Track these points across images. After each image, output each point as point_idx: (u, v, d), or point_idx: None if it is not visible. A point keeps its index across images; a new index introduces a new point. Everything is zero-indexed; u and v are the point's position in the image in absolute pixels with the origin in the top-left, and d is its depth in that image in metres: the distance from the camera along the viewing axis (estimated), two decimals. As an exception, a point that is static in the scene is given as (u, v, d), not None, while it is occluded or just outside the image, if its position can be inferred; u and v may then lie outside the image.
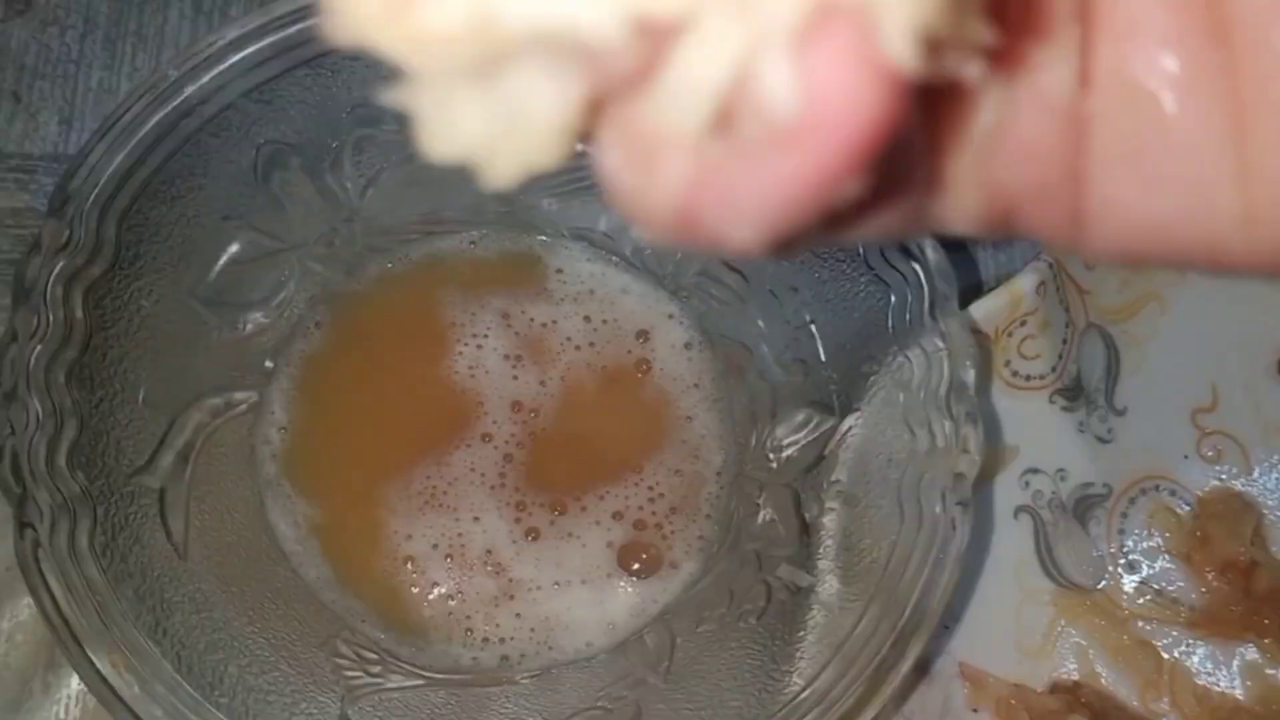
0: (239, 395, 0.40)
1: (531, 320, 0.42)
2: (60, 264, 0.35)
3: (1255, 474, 0.41)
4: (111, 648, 0.32)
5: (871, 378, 0.38)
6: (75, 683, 0.38)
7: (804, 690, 0.34)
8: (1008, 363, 0.41)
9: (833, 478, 0.38)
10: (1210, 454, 0.41)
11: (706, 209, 0.14)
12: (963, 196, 0.16)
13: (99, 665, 0.32)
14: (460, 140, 0.14)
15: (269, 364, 0.41)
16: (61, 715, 0.38)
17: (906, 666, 0.34)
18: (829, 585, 0.36)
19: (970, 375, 0.36)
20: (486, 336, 0.42)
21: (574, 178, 0.41)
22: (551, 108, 0.14)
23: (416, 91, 0.14)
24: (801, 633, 0.36)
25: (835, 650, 0.34)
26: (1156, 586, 0.40)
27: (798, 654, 0.35)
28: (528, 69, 0.14)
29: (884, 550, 0.35)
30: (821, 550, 0.37)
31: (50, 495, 0.33)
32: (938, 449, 0.35)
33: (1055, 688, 0.39)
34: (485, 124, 0.14)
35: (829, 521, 0.37)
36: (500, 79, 0.14)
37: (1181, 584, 0.40)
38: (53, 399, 0.34)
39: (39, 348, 0.34)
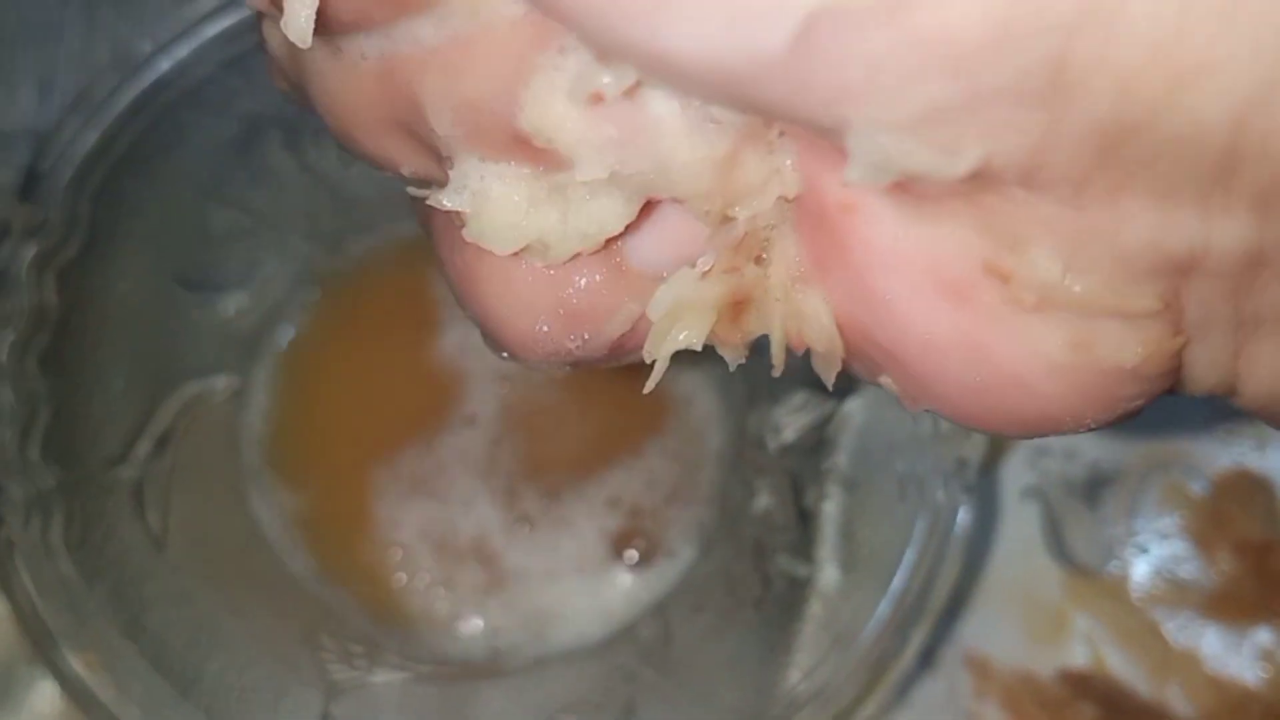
0: (220, 380, 0.39)
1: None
2: (32, 247, 0.34)
3: (1273, 452, 0.40)
4: (86, 645, 0.31)
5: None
6: (51, 684, 0.37)
7: (802, 682, 0.33)
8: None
9: (833, 462, 0.37)
10: (1225, 431, 0.40)
11: None
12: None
13: (74, 664, 0.31)
14: (528, 234, 0.16)
15: (250, 347, 0.40)
16: (45, 710, 0.37)
17: (908, 656, 0.33)
18: (829, 574, 0.35)
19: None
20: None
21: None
22: (617, 218, 0.16)
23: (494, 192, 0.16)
24: (800, 622, 0.35)
25: (835, 640, 0.33)
26: (1168, 569, 0.39)
27: (796, 644, 0.34)
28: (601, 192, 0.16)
29: (885, 538, 0.34)
30: (821, 538, 0.36)
31: (23, 487, 0.32)
32: (941, 433, 0.34)
33: (1063, 675, 0.38)
34: (555, 221, 0.16)
35: (829, 508, 0.36)
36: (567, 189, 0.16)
37: (1194, 566, 0.39)
38: (25, 386, 0.33)
39: (10, 334, 0.33)
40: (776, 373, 0.17)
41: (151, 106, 0.36)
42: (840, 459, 0.36)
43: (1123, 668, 0.38)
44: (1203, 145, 0.13)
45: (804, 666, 0.33)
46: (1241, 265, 0.15)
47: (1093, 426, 0.17)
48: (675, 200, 0.16)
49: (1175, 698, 0.38)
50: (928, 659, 0.37)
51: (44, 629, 0.31)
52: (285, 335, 0.40)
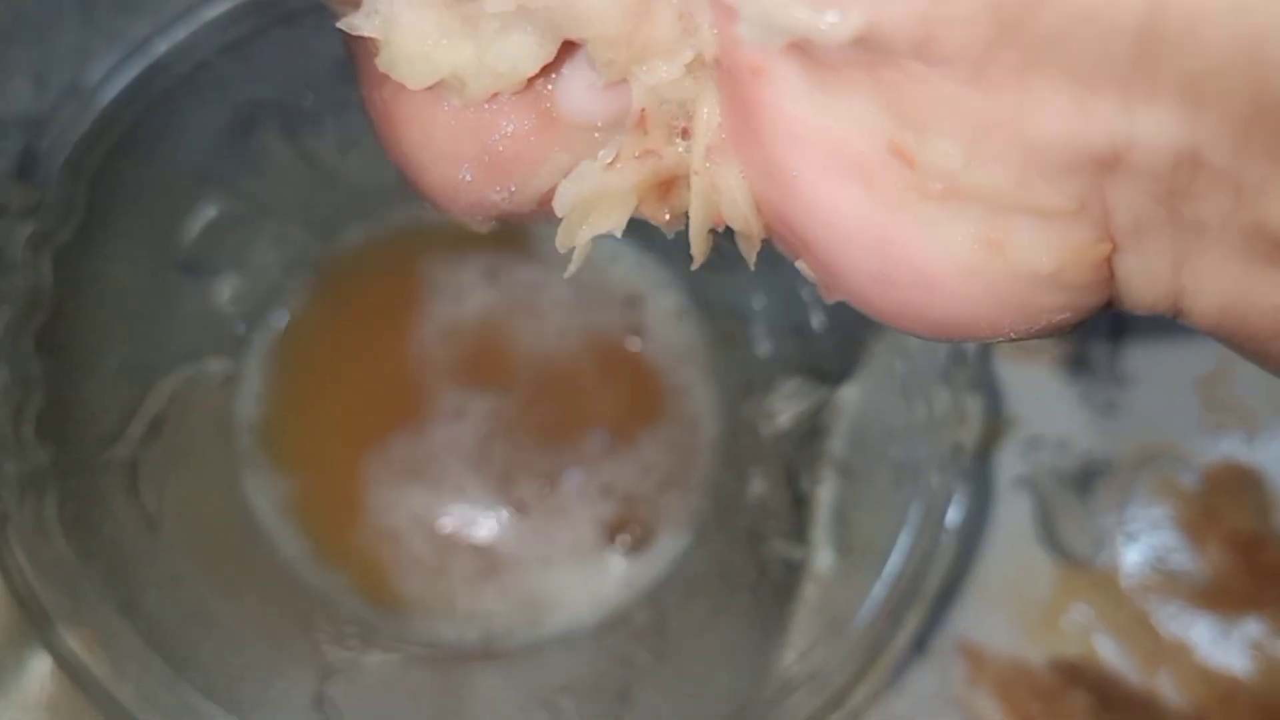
0: (214, 365, 0.39)
1: (517, 284, 0.41)
2: (28, 227, 0.34)
3: (1262, 445, 0.40)
4: (81, 624, 0.31)
5: (868, 346, 0.37)
6: (47, 662, 0.37)
7: (797, 664, 0.33)
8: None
9: (827, 449, 0.37)
10: (1216, 424, 0.40)
11: None
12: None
13: (70, 642, 0.31)
14: (440, 68, 0.16)
15: (244, 332, 0.39)
16: (36, 692, 0.37)
17: (902, 642, 0.33)
18: (823, 559, 0.35)
19: (970, 344, 0.34)
20: (470, 302, 0.40)
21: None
22: (530, 57, 0.15)
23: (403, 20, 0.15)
24: (795, 606, 0.35)
25: (829, 625, 0.33)
26: (1159, 560, 0.39)
27: (791, 629, 0.34)
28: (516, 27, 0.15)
29: (879, 523, 0.34)
30: (815, 522, 0.36)
31: (17, 467, 0.32)
32: (936, 419, 0.34)
33: (1055, 664, 0.38)
34: (470, 56, 0.15)
35: (823, 493, 0.36)
36: (480, 21, 0.15)
37: (1184, 557, 0.39)
38: (20, 366, 0.33)
39: (6, 314, 0.33)
40: (695, 265, 0.17)
41: (148, 91, 0.36)
42: (834, 445, 0.37)
43: (1114, 657, 0.38)
44: (1115, 23, 0.12)
45: (799, 649, 0.33)
46: (1172, 165, 0.13)
47: (1014, 337, 0.15)
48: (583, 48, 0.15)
49: (1166, 686, 0.38)
50: (921, 647, 0.37)
51: (39, 607, 0.31)
52: (279, 321, 0.40)
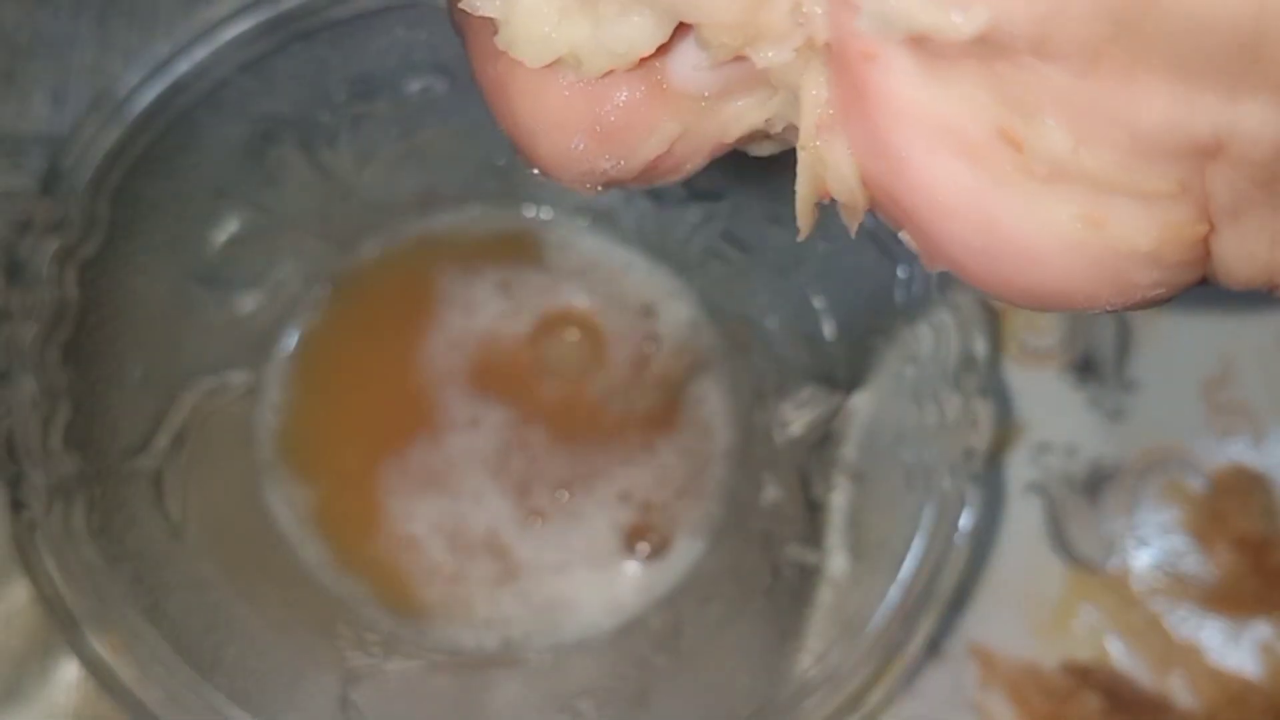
0: (235, 376, 0.39)
1: (532, 295, 0.41)
2: (53, 242, 0.34)
3: (1269, 448, 0.41)
4: (109, 629, 0.31)
5: (879, 353, 0.37)
6: (72, 669, 0.38)
7: (813, 667, 0.33)
8: (1017, 337, 0.41)
9: (840, 454, 0.37)
10: (1222, 429, 0.41)
11: None
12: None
13: (97, 647, 0.31)
14: (558, 47, 0.16)
15: (265, 343, 0.40)
16: (60, 701, 0.38)
17: (916, 644, 0.34)
18: (838, 563, 0.36)
19: (980, 349, 0.35)
20: (485, 312, 0.41)
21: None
22: (647, 38, 0.16)
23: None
24: (810, 610, 0.35)
25: (844, 628, 0.34)
26: (1169, 563, 0.40)
27: (806, 632, 0.35)
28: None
29: (893, 527, 0.34)
30: (830, 527, 0.36)
31: (45, 476, 0.32)
32: (947, 424, 0.35)
33: (1067, 667, 0.38)
34: (587, 35, 0.16)
35: (837, 498, 0.37)
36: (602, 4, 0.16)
37: (1194, 561, 0.40)
38: (47, 378, 0.33)
39: (33, 327, 0.34)
40: (802, 236, 0.17)
41: (169, 108, 0.36)
42: (847, 451, 0.37)
43: (1125, 659, 0.39)
44: (1224, 28, 0.13)
45: (814, 652, 0.34)
46: (1273, 153, 0.14)
47: (1110, 309, 0.16)
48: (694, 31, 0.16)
49: (1178, 689, 0.38)
50: (934, 649, 0.38)
51: (67, 612, 0.31)
52: (298, 333, 0.40)
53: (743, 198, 0.39)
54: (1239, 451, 0.41)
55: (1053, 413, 0.41)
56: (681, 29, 0.16)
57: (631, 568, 0.39)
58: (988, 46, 0.14)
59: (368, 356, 0.41)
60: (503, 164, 0.41)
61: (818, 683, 0.33)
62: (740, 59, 0.16)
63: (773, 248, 0.39)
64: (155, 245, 0.37)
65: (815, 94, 0.16)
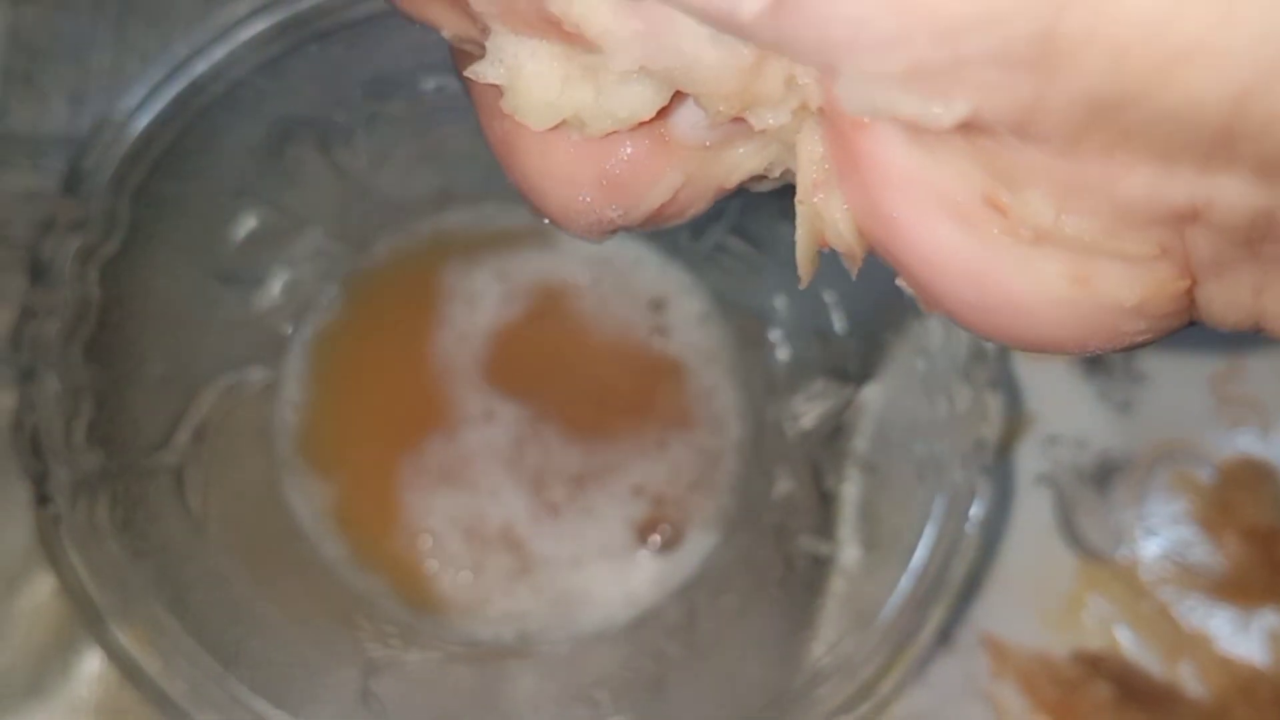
0: (254, 372, 0.40)
1: (545, 290, 0.42)
2: (75, 241, 0.35)
3: (1277, 439, 0.41)
4: (134, 622, 0.32)
5: (890, 346, 0.37)
6: (94, 663, 0.38)
7: (826, 656, 0.34)
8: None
9: (852, 447, 0.38)
10: (1230, 420, 0.41)
11: None
12: None
13: (122, 640, 0.32)
14: (562, 111, 0.17)
15: (284, 339, 0.41)
16: (83, 694, 0.38)
17: (928, 634, 0.34)
18: (850, 554, 0.36)
19: (990, 342, 0.35)
20: (499, 309, 0.41)
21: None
22: (648, 104, 0.16)
23: (530, 65, 0.16)
24: (823, 600, 0.36)
25: (856, 618, 0.34)
26: (1178, 554, 0.40)
27: (819, 621, 0.35)
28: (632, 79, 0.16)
29: (905, 517, 0.35)
30: (842, 518, 0.37)
31: (70, 472, 0.33)
32: (958, 416, 0.35)
33: (1078, 657, 0.39)
34: (590, 100, 0.16)
35: (849, 490, 0.37)
36: (601, 71, 0.16)
37: (1203, 551, 0.40)
38: (70, 375, 0.34)
39: (56, 325, 0.34)
40: (803, 284, 0.18)
41: (188, 109, 0.37)
42: (859, 443, 0.37)
43: (1135, 649, 0.39)
44: (1199, 120, 0.13)
45: (827, 641, 0.34)
46: (1249, 220, 0.15)
47: (1098, 352, 0.17)
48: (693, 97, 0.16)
49: (1187, 677, 0.39)
50: (946, 639, 0.38)
51: (92, 605, 0.32)
52: (314, 329, 0.41)
53: (752, 193, 0.40)
54: (1247, 443, 0.41)
55: (1062, 405, 0.41)
56: (681, 91, 0.17)
57: (646, 560, 0.39)
58: (970, 128, 0.14)
59: (384, 353, 0.41)
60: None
61: (830, 672, 0.34)
62: (736, 119, 0.16)
63: (783, 242, 0.40)
64: (175, 244, 0.38)
65: (810, 151, 0.16)
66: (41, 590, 0.38)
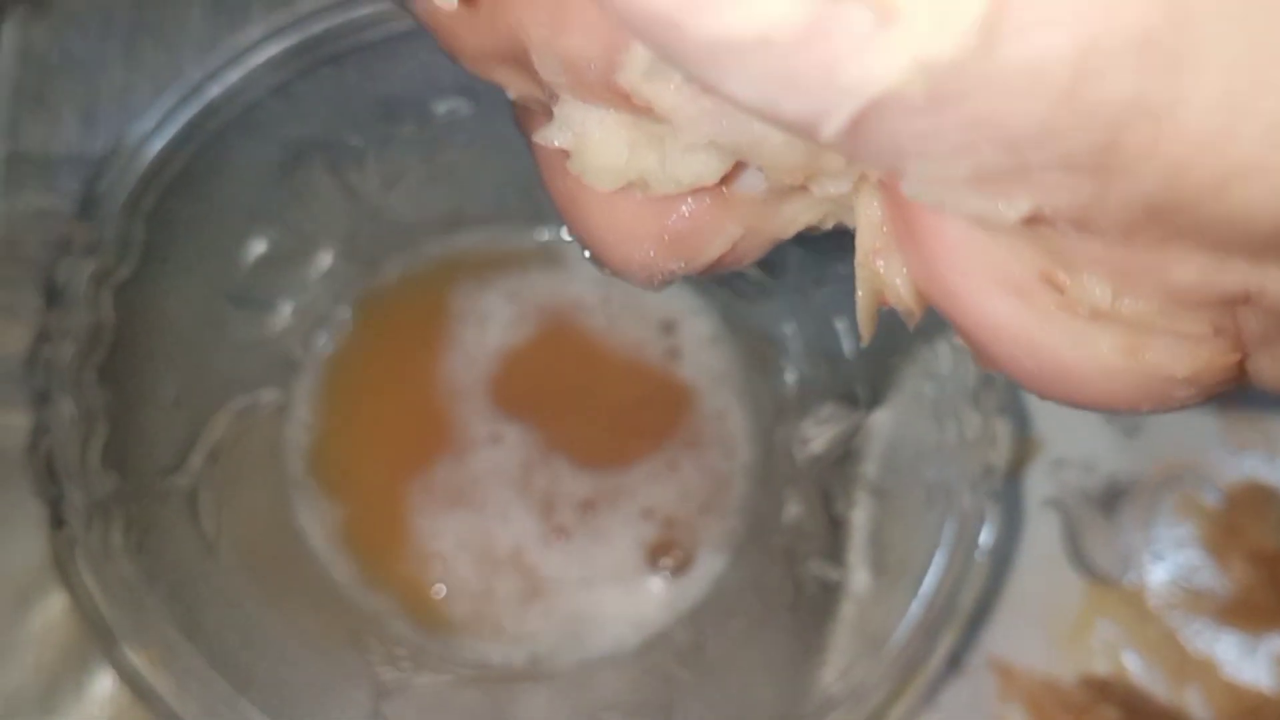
0: (265, 394, 0.40)
1: (555, 312, 0.42)
2: (90, 265, 0.35)
3: (1282, 464, 0.41)
4: (147, 644, 0.32)
5: (899, 371, 0.38)
6: (106, 684, 0.38)
7: (837, 682, 0.34)
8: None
9: (861, 471, 0.38)
10: (1237, 444, 0.41)
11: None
12: None
13: (135, 662, 0.32)
14: (627, 174, 0.17)
15: (293, 363, 0.41)
16: (94, 714, 0.38)
17: (937, 659, 0.34)
18: (860, 578, 0.36)
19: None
20: (509, 331, 0.42)
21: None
22: (712, 172, 0.17)
23: (597, 133, 0.17)
24: (833, 625, 0.36)
25: (866, 643, 0.34)
26: (1185, 578, 0.40)
27: (830, 647, 0.35)
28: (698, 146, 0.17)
29: (914, 543, 0.35)
30: (851, 543, 0.37)
31: (84, 494, 0.33)
32: (967, 441, 0.35)
33: (1085, 681, 0.39)
34: (654, 164, 0.17)
35: (858, 515, 0.37)
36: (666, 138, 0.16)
37: (1209, 575, 0.40)
38: (84, 398, 0.34)
39: (72, 349, 0.34)
40: (864, 342, 0.18)
41: (201, 131, 0.37)
42: (868, 468, 0.38)
43: (1142, 673, 0.39)
44: (1253, 226, 0.14)
45: (838, 667, 0.34)
46: None
47: (1151, 413, 0.18)
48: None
49: (1194, 702, 0.39)
50: (955, 663, 0.38)
51: (106, 627, 0.32)
52: (325, 351, 0.41)
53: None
54: (1253, 466, 0.41)
55: (1069, 429, 0.41)
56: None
57: (655, 583, 0.39)
58: (1030, 220, 0.15)
59: (394, 375, 0.41)
60: (526, 183, 0.42)
61: (841, 698, 0.34)
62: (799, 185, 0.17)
63: (794, 266, 0.40)
64: (188, 266, 0.38)
65: (870, 216, 0.17)
66: (54, 610, 0.38)
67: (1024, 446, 0.40)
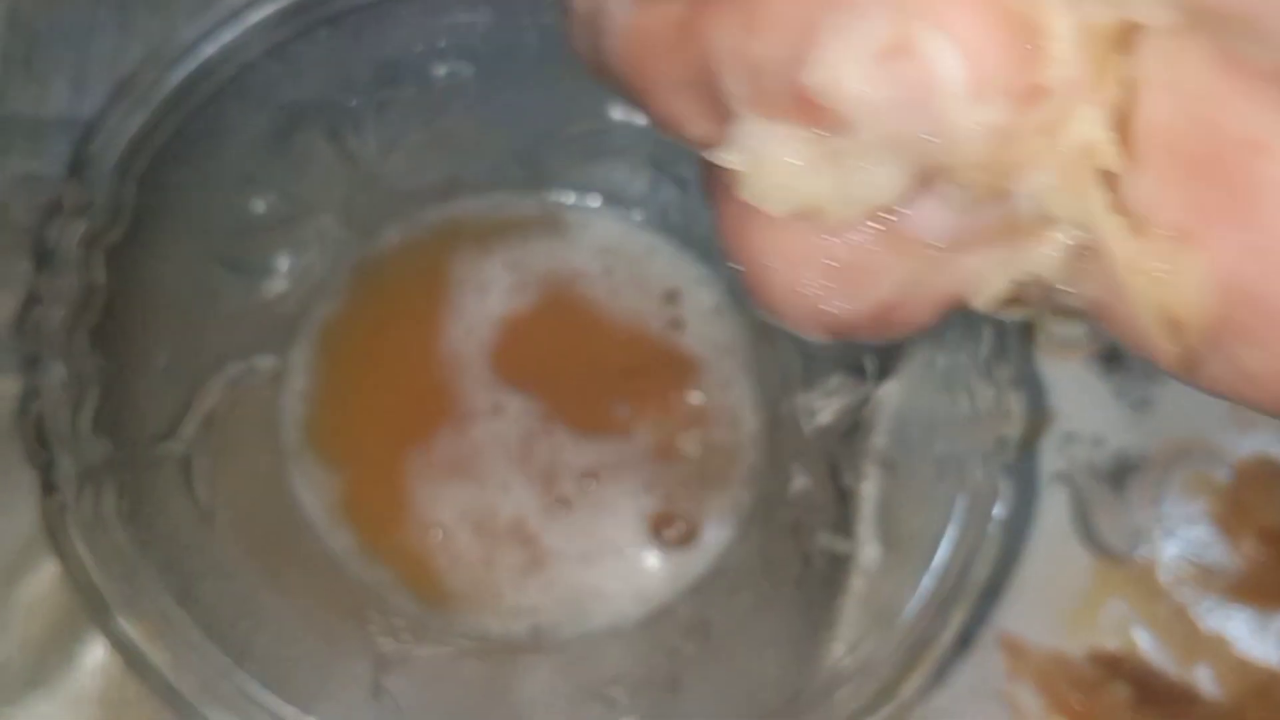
0: (261, 361, 0.39)
1: (556, 280, 0.41)
2: (80, 226, 0.34)
3: (1293, 440, 0.41)
4: (142, 615, 0.31)
5: (909, 342, 0.37)
6: (97, 655, 0.37)
7: (846, 657, 0.33)
8: (1044, 326, 0.41)
9: (870, 444, 0.37)
10: (1247, 420, 0.41)
11: None
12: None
13: (130, 633, 0.31)
14: (801, 199, 0.17)
15: (290, 329, 0.40)
16: (86, 685, 0.37)
17: (949, 635, 0.33)
18: (869, 552, 0.36)
19: (1012, 339, 0.35)
20: (509, 300, 0.41)
21: (600, 139, 0.41)
22: (891, 189, 0.16)
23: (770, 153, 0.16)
24: (842, 599, 0.35)
25: (876, 618, 0.34)
26: (1195, 554, 0.40)
27: (839, 621, 0.35)
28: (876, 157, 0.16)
29: (925, 517, 0.34)
30: (860, 516, 0.36)
31: (75, 460, 0.32)
32: (979, 414, 0.34)
33: (1095, 657, 0.38)
34: (830, 187, 0.16)
35: (867, 488, 0.37)
36: (845, 155, 0.16)
37: (1219, 551, 0.40)
38: (75, 362, 0.33)
39: (62, 312, 0.33)
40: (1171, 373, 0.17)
41: (195, 93, 0.36)
42: (877, 440, 0.37)
43: (1152, 650, 0.39)
44: None
45: (847, 641, 0.34)
46: None
47: None
48: (944, 174, 0.16)
49: (1204, 678, 0.38)
50: (965, 639, 0.37)
51: (100, 597, 0.31)
52: (322, 318, 0.40)
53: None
54: (1264, 443, 0.41)
55: (1079, 403, 0.41)
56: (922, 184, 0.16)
57: (659, 556, 0.39)
58: None
59: (391, 343, 0.41)
60: (527, 149, 0.41)
61: (850, 673, 0.33)
62: (997, 194, 0.16)
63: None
64: (181, 230, 0.37)
65: (1115, 223, 0.15)
66: (44, 579, 0.38)
67: (1037, 420, 0.40)
